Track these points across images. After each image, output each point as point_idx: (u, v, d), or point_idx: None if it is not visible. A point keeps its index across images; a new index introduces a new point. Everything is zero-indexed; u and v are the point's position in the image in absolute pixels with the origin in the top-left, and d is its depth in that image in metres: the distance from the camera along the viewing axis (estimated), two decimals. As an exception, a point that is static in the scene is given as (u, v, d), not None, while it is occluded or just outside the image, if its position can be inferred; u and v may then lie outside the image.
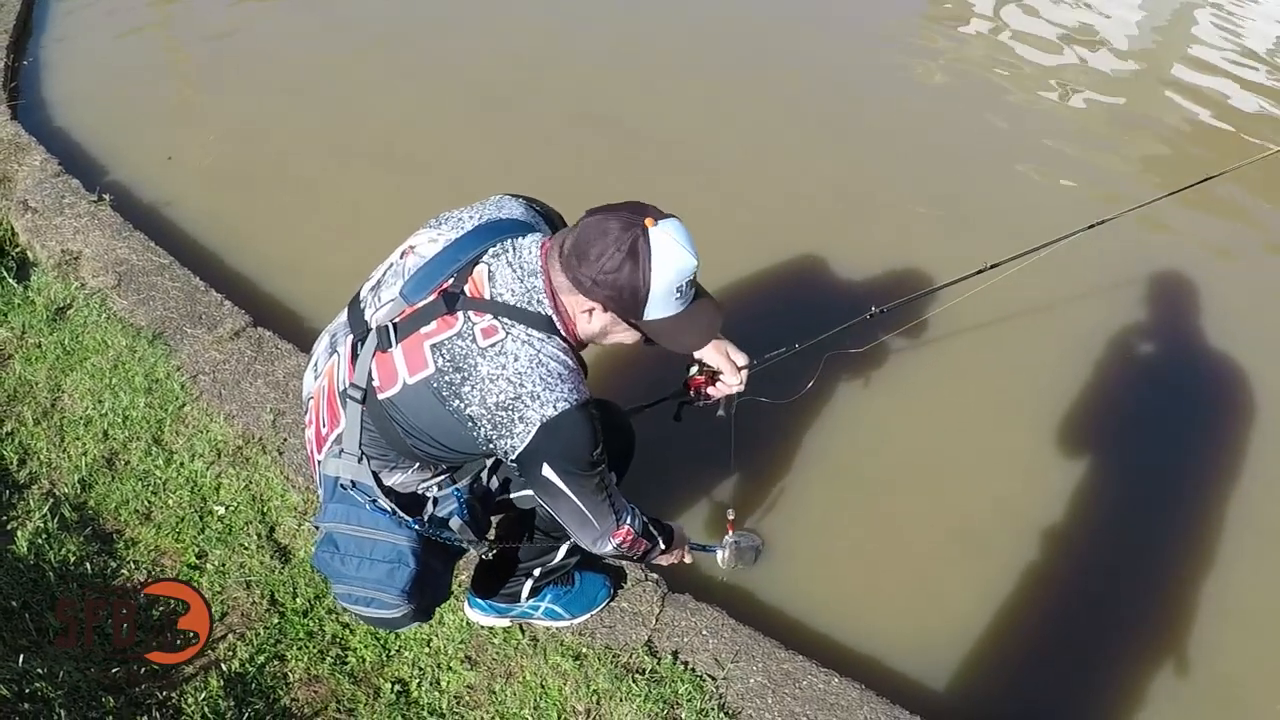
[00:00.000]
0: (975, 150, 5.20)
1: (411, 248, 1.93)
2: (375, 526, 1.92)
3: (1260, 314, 4.15)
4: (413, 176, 4.47)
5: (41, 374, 3.14)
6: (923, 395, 3.56)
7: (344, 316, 2.02)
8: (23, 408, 3.03)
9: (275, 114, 4.91)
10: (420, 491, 2.01)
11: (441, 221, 1.96)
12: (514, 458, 1.80)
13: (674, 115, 5.16)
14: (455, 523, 1.99)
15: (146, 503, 2.75)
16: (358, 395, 1.89)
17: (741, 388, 2.31)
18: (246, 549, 2.63)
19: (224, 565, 2.59)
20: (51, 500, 2.71)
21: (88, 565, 2.55)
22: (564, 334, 1.84)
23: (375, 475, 1.94)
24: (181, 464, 2.86)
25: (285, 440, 2.92)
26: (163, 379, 3.11)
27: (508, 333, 1.77)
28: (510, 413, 1.75)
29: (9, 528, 2.63)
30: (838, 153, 4.98)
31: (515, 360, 1.75)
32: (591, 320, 1.84)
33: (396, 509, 1.93)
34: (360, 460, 1.93)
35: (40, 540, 2.58)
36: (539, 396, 1.74)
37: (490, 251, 1.86)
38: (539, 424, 1.74)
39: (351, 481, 1.94)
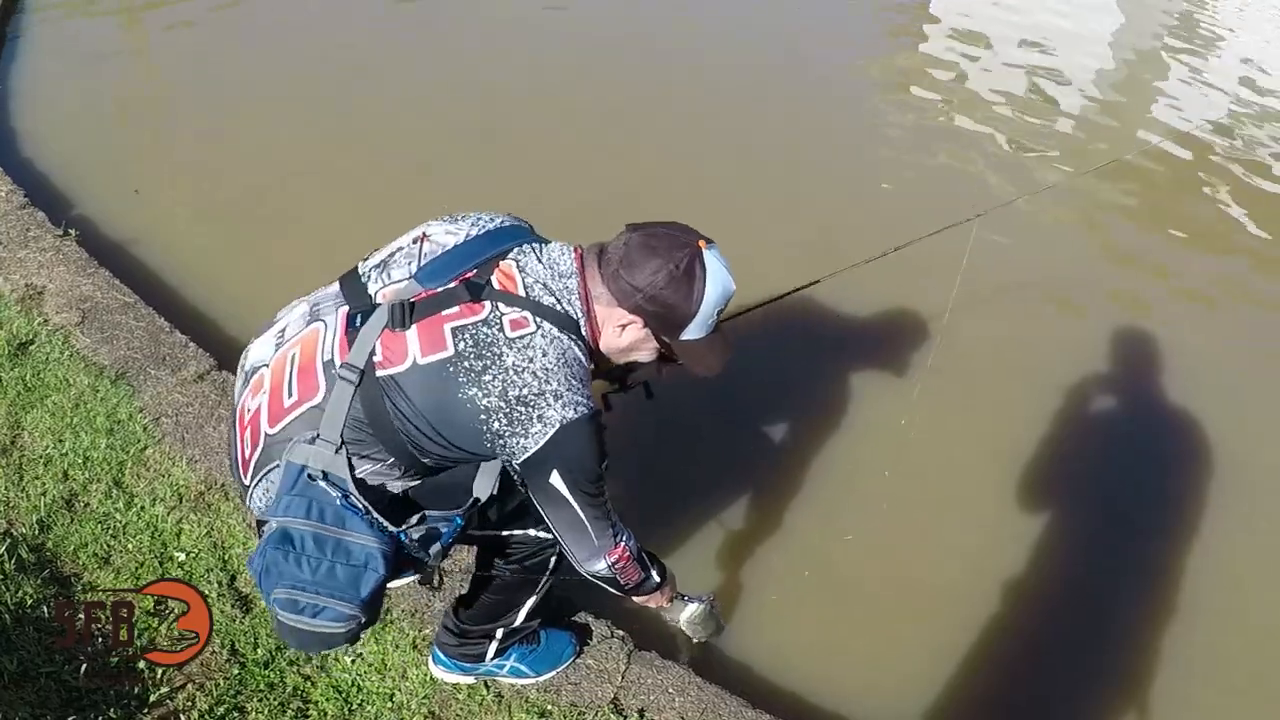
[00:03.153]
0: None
1: (426, 235, 1.89)
2: (341, 525, 1.74)
3: (1216, 354, 4.32)
4: (389, 218, 4.46)
5: (1, 410, 3.09)
6: (893, 444, 3.60)
7: (333, 289, 1.93)
8: (-20, 445, 2.99)
9: (246, 150, 4.91)
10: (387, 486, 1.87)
11: (458, 218, 1.93)
12: (522, 459, 1.75)
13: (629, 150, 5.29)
14: (436, 548, 1.84)
15: (106, 546, 2.71)
16: (352, 376, 1.75)
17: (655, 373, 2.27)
18: (207, 597, 2.60)
19: (184, 613, 2.56)
20: (9, 540, 2.65)
21: (44, 609, 2.50)
22: (589, 341, 1.84)
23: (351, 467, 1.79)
24: (142, 508, 2.82)
25: (250, 486, 2.90)
26: (125, 420, 3.08)
27: (538, 327, 1.74)
28: (530, 409, 1.71)
29: (-37, 569, 2.58)
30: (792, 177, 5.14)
31: (543, 355, 1.73)
32: (623, 334, 1.86)
33: (370, 508, 1.77)
34: (339, 449, 1.77)
35: (-4, 582, 2.54)
36: (562, 396, 1.72)
37: (516, 250, 1.84)
38: (558, 425, 1.71)
39: (323, 472, 1.76)
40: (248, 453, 1.88)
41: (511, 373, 1.70)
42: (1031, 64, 7.10)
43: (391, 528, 1.79)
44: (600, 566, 1.95)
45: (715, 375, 1.95)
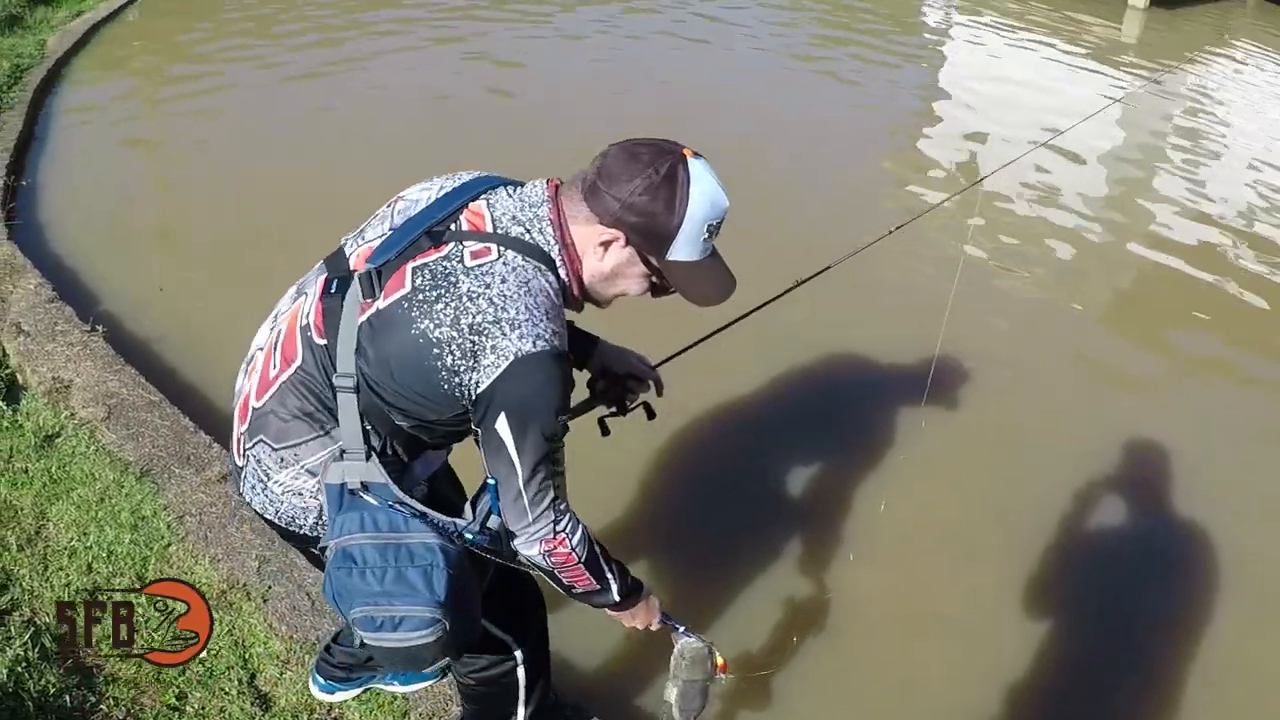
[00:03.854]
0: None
1: (400, 196, 1.87)
2: (397, 529, 1.70)
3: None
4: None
5: (27, 500, 3.19)
6: (899, 503, 3.66)
7: (316, 266, 1.92)
8: (6, 532, 3.07)
9: (272, 246, 4.97)
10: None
11: (433, 178, 1.89)
12: (474, 396, 1.64)
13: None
14: (495, 521, 1.76)
15: (128, 639, 2.80)
16: (350, 384, 1.71)
17: (657, 390, 2.32)
18: (227, 694, 2.68)
19: (204, 709, 2.64)
20: (32, 629, 2.74)
21: (67, 698, 2.57)
22: (565, 274, 1.74)
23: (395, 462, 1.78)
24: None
25: (270, 588, 3.00)
26: (149, 517, 3.18)
27: (500, 255, 1.66)
28: (483, 338, 1.60)
29: (-10, 655, 2.66)
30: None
31: (502, 282, 1.63)
32: (605, 256, 1.74)
33: (425, 509, 1.73)
34: (369, 458, 1.74)
35: (20, 669, 2.60)
36: (519, 326, 1.61)
37: (488, 191, 1.79)
38: (512, 357, 1.60)
39: (363, 484, 1.74)
40: (239, 429, 1.90)
41: (465, 299, 1.62)
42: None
43: (447, 520, 1.75)
44: (534, 553, 1.79)
45: (715, 305, 1.84)
